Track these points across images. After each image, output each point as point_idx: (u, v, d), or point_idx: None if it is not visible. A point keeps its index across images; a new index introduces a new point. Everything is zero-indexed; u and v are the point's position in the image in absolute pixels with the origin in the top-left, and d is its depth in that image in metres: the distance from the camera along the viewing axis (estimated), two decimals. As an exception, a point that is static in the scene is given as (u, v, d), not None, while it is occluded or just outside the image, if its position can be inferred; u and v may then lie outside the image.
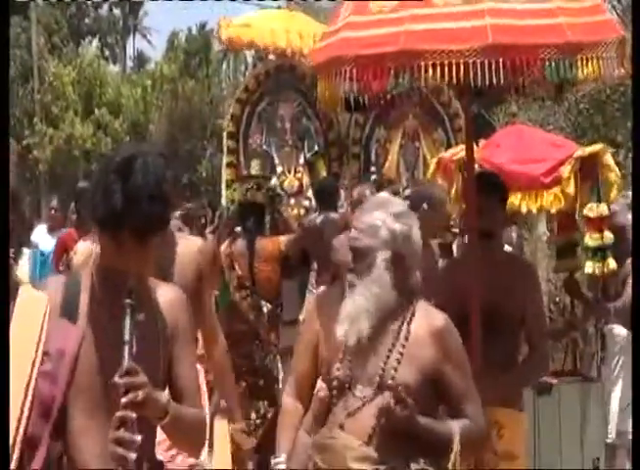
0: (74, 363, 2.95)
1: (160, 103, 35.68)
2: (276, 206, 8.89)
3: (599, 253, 7.21)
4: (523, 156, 7.20)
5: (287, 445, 4.19)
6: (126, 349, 2.99)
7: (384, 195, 4.91)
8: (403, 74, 4.06)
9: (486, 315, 4.75)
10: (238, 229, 8.67)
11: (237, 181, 10.31)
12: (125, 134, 34.76)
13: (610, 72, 4.15)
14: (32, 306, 2.96)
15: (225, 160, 11.13)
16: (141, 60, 50.67)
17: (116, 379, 2.93)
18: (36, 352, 2.84)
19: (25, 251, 10.44)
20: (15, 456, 2.75)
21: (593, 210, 7.05)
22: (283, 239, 8.35)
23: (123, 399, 2.97)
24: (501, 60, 3.93)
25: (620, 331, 7.75)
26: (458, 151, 7.28)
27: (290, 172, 10.76)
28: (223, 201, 10.90)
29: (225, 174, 11.10)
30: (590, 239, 7.17)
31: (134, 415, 2.93)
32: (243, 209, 8.85)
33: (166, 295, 3.41)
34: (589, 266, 7.26)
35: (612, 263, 7.21)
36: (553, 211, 7.36)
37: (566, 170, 6.86)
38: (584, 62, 4.01)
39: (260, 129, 10.83)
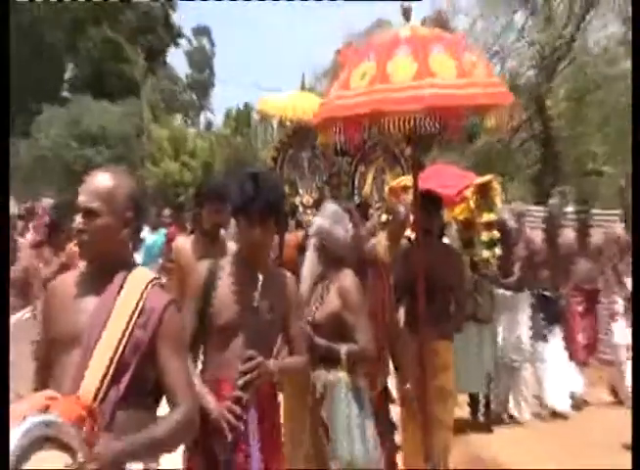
0: (159, 318, 3.81)
1: (220, 151, 46.86)
2: (297, 213, 12.60)
3: (490, 244, 10.18)
4: (442, 183, 9.62)
5: None
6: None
7: (329, 204, 6.81)
8: (372, 127, 6.05)
9: (430, 284, 7.08)
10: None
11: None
12: (200, 171, 44.20)
13: (504, 125, 6.17)
14: (140, 279, 3.90)
15: None
16: (208, 124, 62.98)
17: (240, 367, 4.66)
18: (135, 308, 3.76)
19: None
20: (105, 381, 3.59)
21: (486, 217, 10.05)
22: (300, 234, 10.27)
23: (239, 381, 4.64)
24: (435, 115, 5.85)
25: (504, 293, 10.96)
26: (401, 181, 10.42)
27: (307, 193, 13.89)
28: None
29: None
30: (484, 236, 10.17)
31: (246, 395, 4.63)
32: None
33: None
34: (485, 254, 10.25)
35: (498, 251, 10.24)
36: (460, 218, 10.34)
37: (469, 192, 10.03)
38: (490, 118, 6.06)
39: (289, 166, 13.91)
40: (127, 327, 3.74)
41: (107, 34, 53.46)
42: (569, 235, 11.86)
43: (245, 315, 4.84)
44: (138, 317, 3.78)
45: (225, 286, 4.95)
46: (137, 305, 3.80)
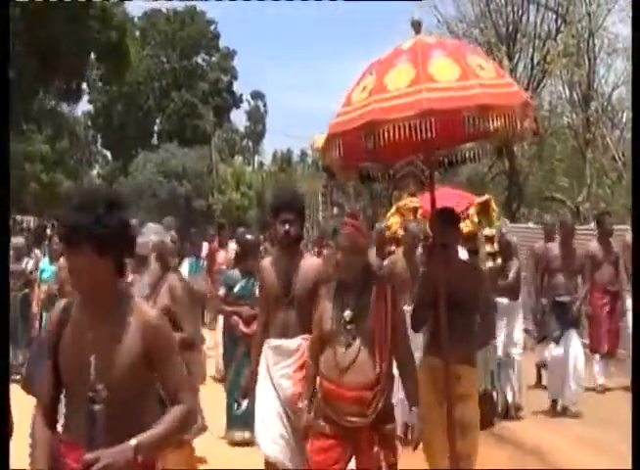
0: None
1: (269, 184, 47.70)
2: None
3: (492, 256, 8.97)
4: (447, 203, 7.97)
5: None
6: None
7: (150, 224, 6.05)
8: (371, 138, 4.17)
9: (452, 302, 4.99)
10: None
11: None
12: (255, 198, 45.94)
13: (515, 126, 4.24)
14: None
15: (321, 207, 14.46)
16: (260, 164, 62.24)
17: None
18: None
19: (186, 259, 10.56)
20: None
21: (488, 232, 8.99)
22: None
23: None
24: (433, 120, 4.04)
25: (503, 301, 8.88)
26: (405, 202, 9.35)
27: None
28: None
29: (321, 214, 14.13)
30: (487, 247, 8.99)
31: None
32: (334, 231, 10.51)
33: None
34: (488, 264, 8.86)
35: (499, 261, 8.95)
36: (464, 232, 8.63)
37: (472, 210, 8.80)
38: (494, 118, 4.12)
39: (338, 192, 13.99)
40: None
41: (186, 97, 53.88)
42: (592, 244, 10.29)
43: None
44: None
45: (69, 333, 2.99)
46: None
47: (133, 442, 2.74)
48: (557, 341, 9.07)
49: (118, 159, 55.58)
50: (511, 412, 8.98)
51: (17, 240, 11.85)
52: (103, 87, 51.57)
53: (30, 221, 34.09)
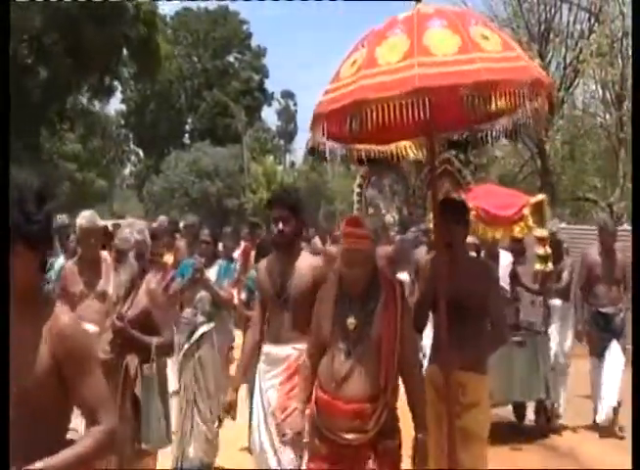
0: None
1: (301, 182, 47.61)
2: (383, 229, 10.53)
3: (545, 258, 8.37)
4: (498, 203, 8.14)
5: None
6: None
7: (131, 219, 5.98)
8: (355, 120, 3.67)
9: (456, 305, 4.42)
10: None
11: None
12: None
13: (523, 105, 3.70)
14: None
15: (355, 206, 13.73)
16: (292, 163, 60.57)
17: None
18: None
19: (217, 261, 10.14)
20: None
21: (540, 233, 8.32)
22: (388, 248, 9.22)
23: None
24: (427, 99, 3.50)
25: (556, 303, 8.77)
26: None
27: (388, 212, 13.26)
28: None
29: (355, 214, 12.88)
30: (540, 250, 8.37)
31: None
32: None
33: None
34: (538, 266, 8.37)
35: (550, 265, 8.41)
36: (519, 235, 8.39)
37: (527, 211, 8.10)
38: (498, 96, 3.58)
39: (373, 190, 13.42)
40: None
41: (218, 96, 54.17)
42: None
43: None
44: None
45: None
46: None
47: (38, 465, 2.37)
48: (598, 354, 8.42)
49: (151, 157, 55.97)
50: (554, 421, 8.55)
51: None
52: (135, 86, 52.01)
53: (64, 219, 34.52)
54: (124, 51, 28.37)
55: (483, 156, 26.66)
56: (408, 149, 4.71)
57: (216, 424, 6.66)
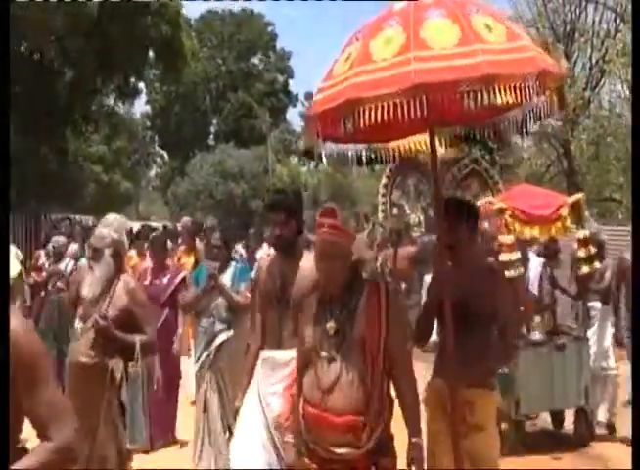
0: None
1: (325, 184, 47.64)
2: (407, 230, 11.03)
3: (588, 260, 8.04)
4: (534, 203, 7.89)
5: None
6: None
7: (109, 215, 5.54)
8: (349, 120, 3.42)
9: (461, 311, 4.10)
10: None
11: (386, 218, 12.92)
12: (311, 198, 44.09)
13: (529, 99, 3.42)
14: None
15: (380, 207, 13.32)
16: (316, 164, 55.85)
17: None
18: None
19: (231, 263, 10.08)
20: None
21: (581, 234, 8.00)
22: (412, 249, 9.55)
23: None
24: (424, 97, 3.27)
25: (596, 305, 8.54)
26: (485, 200, 8.47)
27: (413, 213, 12.93)
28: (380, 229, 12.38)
29: (380, 215, 13.30)
30: (582, 252, 8.05)
31: None
32: (391, 232, 10.71)
33: None
34: (584, 268, 8.06)
35: (596, 265, 8.15)
36: (557, 236, 8.37)
37: (564, 211, 7.82)
38: (501, 90, 3.30)
39: (398, 191, 13.06)
40: None
41: (242, 98, 54.37)
42: None
43: None
44: None
45: None
46: None
47: None
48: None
49: (176, 159, 56.22)
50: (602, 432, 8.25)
51: (57, 239, 11.29)
52: (160, 87, 52.33)
53: (89, 221, 34.72)
54: (150, 52, 28.54)
55: (510, 156, 26.62)
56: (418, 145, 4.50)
57: (227, 435, 6.32)
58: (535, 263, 8.46)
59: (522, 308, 7.86)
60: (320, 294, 3.76)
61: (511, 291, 5.69)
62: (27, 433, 2.49)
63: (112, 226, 5.26)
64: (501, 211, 7.68)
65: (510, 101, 3.34)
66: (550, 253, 8.52)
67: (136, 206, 53.99)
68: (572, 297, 8.50)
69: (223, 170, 46.17)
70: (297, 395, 3.83)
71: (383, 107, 3.31)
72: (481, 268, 4.74)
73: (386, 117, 3.30)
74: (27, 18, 20.17)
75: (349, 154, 4.36)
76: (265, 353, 4.77)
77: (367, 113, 3.34)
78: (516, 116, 3.90)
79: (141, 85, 36.61)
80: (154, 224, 19.73)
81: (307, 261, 4.66)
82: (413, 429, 3.65)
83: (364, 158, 4.47)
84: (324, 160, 4.13)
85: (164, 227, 16.66)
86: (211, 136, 58.77)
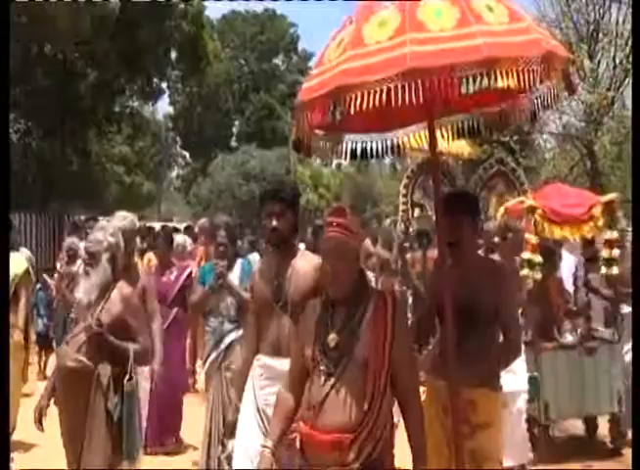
0: None
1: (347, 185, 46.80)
2: (433, 231, 9.88)
3: (609, 262, 7.74)
4: (566, 203, 7.72)
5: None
6: None
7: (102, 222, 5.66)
8: (338, 108, 3.17)
9: (462, 310, 3.91)
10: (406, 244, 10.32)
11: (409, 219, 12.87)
12: (333, 199, 44.51)
13: (532, 84, 3.15)
14: None
15: (401, 207, 13.16)
16: (338, 165, 57.11)
17: None
18: None
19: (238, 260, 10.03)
20: None
21: (609, 234, 7.69)
22: (435, 251, 8.58)
23: None
24: (420, 82, 3.01)
25: (627, 309, 7.84)
26: (518, 201, 8.32)
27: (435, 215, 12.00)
28: (399, 230, 12.67)
29: (401, 216, 13.15)
30: (605, 253, 7.76)
31: None
32: (418, 233, 10.35)
33: None
34: (603, 270, 7.82)
35: (616, 269, 7.73)
36: (589, 236, 8.09)
37: (597, 211, 7.56)
38: (502, 74, 3.05)
39: (419, 191, 13.01)
40: None
41: (264, 99, 54.52)
42: None
43: None
44: None
45: None
46: None
47: None
48: None
49: (198, 160, 56.42)
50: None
51: (71, 240, 11.22)
52: (183, 88, 52.55)
53: (112, 222, 34.80)
54: (173, 53, 28.73)
55: (532, 157, 26.51)
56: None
57: (220, 449, 6.04)
58: (569, 263, 8.35)
59: (555, 309, 7.89)
60: (323, 299, 3.52)
61: (517, 288, 5.65)
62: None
63: (107, 230, 5.14)
64: (532, 209, 7.52)
65: (512, 85, 3.09)
66: (589, 255, 8.33)
67: (158, 206, 54.12)
68: (608, 300, 8.13)
69: (245, 171, 46.23)
70: (282, 408, 3.63)
71: (376, 93, 3.07)
72: (484, 265, 4.50)
73: (378, 104, 3.06)
74: (51, 19, 20.32)
75: (343, 146, 4.13)
76: (264, 360, 4.45)
77: (359, 100, 3.11)
78: (522, 104, 3.68)
79: (164, 86, 36.70)
80: (175, 225, 19.80)
81: (304, 260, 4.42)
82: (419, 459, 3.43)
83: (358, 150, 4.19)
84: (313, 151, 3.88)
85: (186, 227, 16.52)
86: (234, 137, 58.87)
